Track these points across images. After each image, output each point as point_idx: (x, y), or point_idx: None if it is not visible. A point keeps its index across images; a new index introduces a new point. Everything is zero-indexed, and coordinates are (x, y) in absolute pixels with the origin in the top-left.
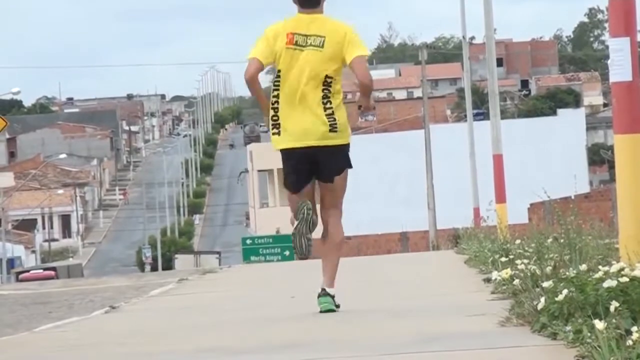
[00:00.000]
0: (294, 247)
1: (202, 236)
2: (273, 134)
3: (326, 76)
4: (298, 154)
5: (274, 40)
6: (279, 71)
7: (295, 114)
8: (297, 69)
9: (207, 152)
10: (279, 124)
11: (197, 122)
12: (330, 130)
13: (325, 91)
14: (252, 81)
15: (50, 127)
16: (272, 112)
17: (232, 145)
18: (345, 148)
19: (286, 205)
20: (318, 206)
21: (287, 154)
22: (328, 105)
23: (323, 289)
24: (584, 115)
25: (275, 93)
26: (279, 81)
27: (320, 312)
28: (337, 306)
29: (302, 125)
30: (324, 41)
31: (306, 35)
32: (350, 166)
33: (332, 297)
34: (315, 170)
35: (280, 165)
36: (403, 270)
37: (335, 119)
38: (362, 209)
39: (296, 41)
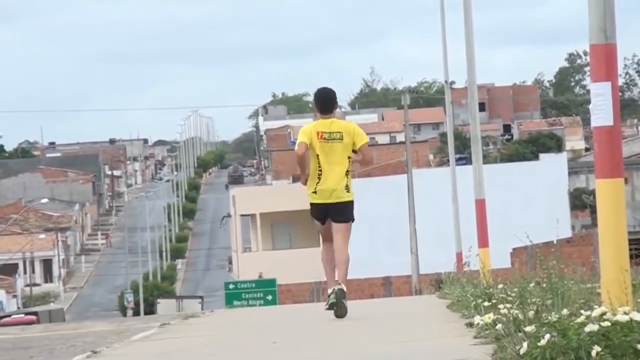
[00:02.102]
0: (335, 307)
1: (185, 281)
2: (313, 192)
3: (348, 157)
4: (327, 206)
5: (310, 134)
6: (318, 156)
7: (329, 182)
8: (329, 154)
9: (189, 197)
10: (317, 188)
11: (180, 167)
12: (347, 192)
13: (347, 166)
14: (303, 157)
15: (31, 171)
16: (316, 180)
17: (227, 186)
18: (352, 203)
19: (269, 250)
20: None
21: (320, 206)
22: (346, 176)
23: (338, 288)
24: (566, 160)
25: (319, 169)
26: (319, 162)
27: (330, 303)
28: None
29: (331, 187)
30: (342, 135)
31: (330, 132)
32: (351, 217)
33: (344, 291)
34: (332, 215)
35: (263, 210)
36: (385, 315)
37: (347, 185)
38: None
39: (324, 137)
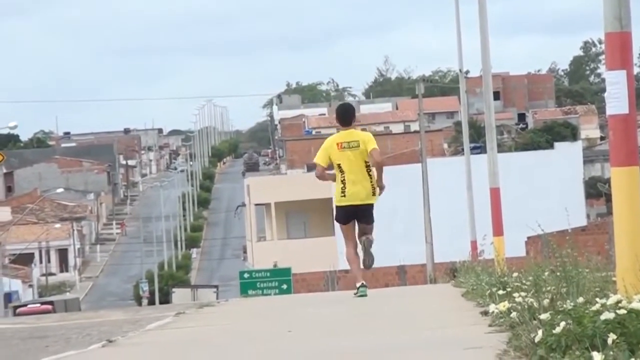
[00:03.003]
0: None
1: (200, 270)
2: (341, 196)
3: (365, 162)
4: (352, 208)
5: (329, 149)
6: (340, 165)
7: (353, 186)
8: (350, 161)
9: (204, 186)
10: (343, 191)
11: (194, 156)
12: (373, 195)
13: (368, 170)
14: (321, 177)
15: (47, 161)
16: (341, 185)
17: (244, 173)
18: (372, 207)
19: (284, 239)
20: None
21: (346, 208)
22: (370, 180)
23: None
24: (581, 149)
25: (342, 176)
26: (341, 169)
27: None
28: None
29: (356, 191)
30: (358, 143)
31: (348, 142)
32: (372, 219)
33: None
34: (357, 217)
35: (277, 199)
36: (401, 304)
37: (373, 188)
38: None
39: (343, 146)
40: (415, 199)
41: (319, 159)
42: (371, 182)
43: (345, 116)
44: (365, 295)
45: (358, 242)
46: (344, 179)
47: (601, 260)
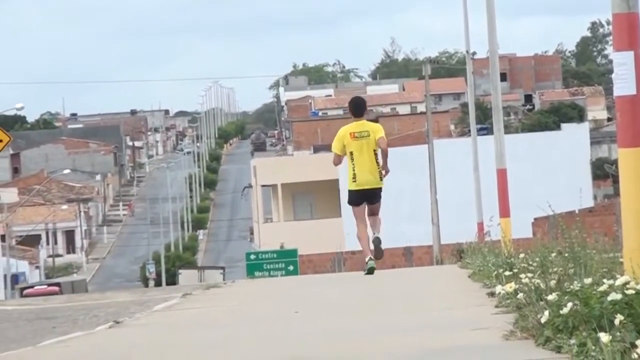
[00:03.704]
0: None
1: (206, 251)
2: (353, 181)
3: (374, 150)
4: (363, 192)
5: (343, 138)
6: (352, 152)
7: (363, 172)
8: (361, 149)
9: (210, 167)
10: (355, 177)
11: (201, 138)
12: (380, 180)
13: (375, 157)
14: (338, 165)
15: (53, 142)
16: (352, 172)
17: (252, 153)
18: (381, 189)
19: (290, 220)
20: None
21: (357, 192)
22: (378, 167)
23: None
24: (588, 130)
25: (353, 163)
26: (352, 156)
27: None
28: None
29: (366, 178)
30: (369, 133)
31: (360, 132)
32: (380, 198)
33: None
34: (367, 199)
35: (284, 180)
36: (407, 285)
37: (380, 173)
38: None
39: (356, 136)
40: (422, 180)
41: (335, 148)
42: (378, 168)
43: (358, 109)
44: (374, 268)
45: (367, 221)
46: (354, 166)
47: (608, 241)
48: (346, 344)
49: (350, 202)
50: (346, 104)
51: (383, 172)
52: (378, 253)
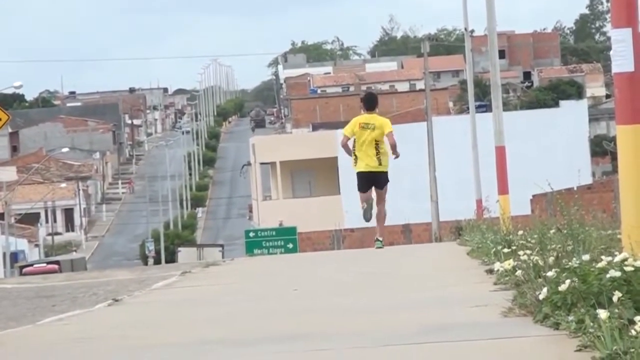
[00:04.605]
0: (364, 215)
1: (205, 229)
2: (356, 164)
3: (375, 140)
4: (365, 174)
5: (354, 126)
6: (357, 140)
7: (364, 157)
8: (365, 138)
9: (209, 145)
10: (357, 160)
11: (200, 115)
12: (379, 165)
13: (376, 146)
14: (343, 146)
15: (52, 120)
16: (355, 156)
17: (253, 129)
18: (385, 174)
19: (289, 198)
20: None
21: (360, 173)
22: (377, 154)
23: (377, 238)
24: (587, 107)
25: (356, 149)
26: (357, 143)
27: (376, 248)
28: (383, 246)
29: (366, 162)
30: (375, 126)
31: (367, 124)
32: (388, 181)
33: (382, 241)
34: (372, 183)
35: (283, 158)
36: (406, 262)
37: (380, 159)
38: None
39: (363, 126)
40: (421, 158)
41: (346, 131)
42: (377, 155)
43: (370, 103)
44: (382, 247)
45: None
46: (357, 152)
47: (606, 218)
48: (345, 321)
49: (358, 188)
50: (344, 81)
51: (393, 156)
52: (369, 213)
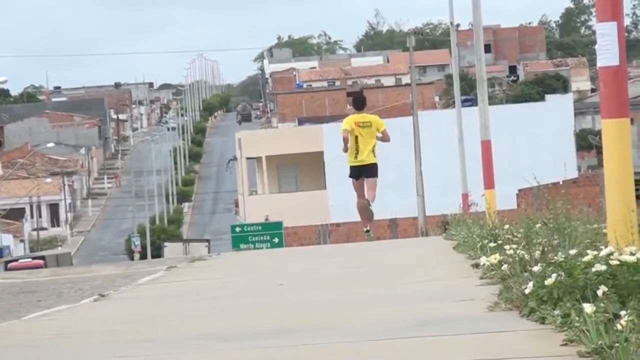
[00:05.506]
0: (367, 216)
1: (191, 224)
2: (354, 158)
3: (370, 136)
4: (360, 167)
5: (351, 123)
6: (357, 137)
7: (361, 152)
8: (362, 135)
9: (195, 140)
10: (357, 155)
11: (185, 110)
12: (373, 157)
13: (374, 142)
14: (345, 140)
15: (37, 116)
16: (354, 151)
17: (240, 122)
18: (376, 164)
19: (275, 193)
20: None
21: (355, 167)
22: (372, 149)
23: (367, 228)
24: (572, 101)
25: (355, 145)
26: (358, 140)
27: (366, 238)
28: (371, 237)
29: (363, 156)
30: (370, 123)
31: (363, 122)
32: (377, 174)
33: (369, 231)
34: (365, 173)
35: (269, 153)
36: (392, 257)
37: (373, 153)
38: (350, 196)
39: (360, 125)
40: (407, 152)
41: (346, 125)
42: (372, 150)
43: (360, 104)
44: (371, 237)
45: (366, 196)
46: (358, 146)
47: (592, 213)
48: (331, 316)
49: (351, 176)
50: (330, 76)
51: (384, 142)
52: (369, 214)
